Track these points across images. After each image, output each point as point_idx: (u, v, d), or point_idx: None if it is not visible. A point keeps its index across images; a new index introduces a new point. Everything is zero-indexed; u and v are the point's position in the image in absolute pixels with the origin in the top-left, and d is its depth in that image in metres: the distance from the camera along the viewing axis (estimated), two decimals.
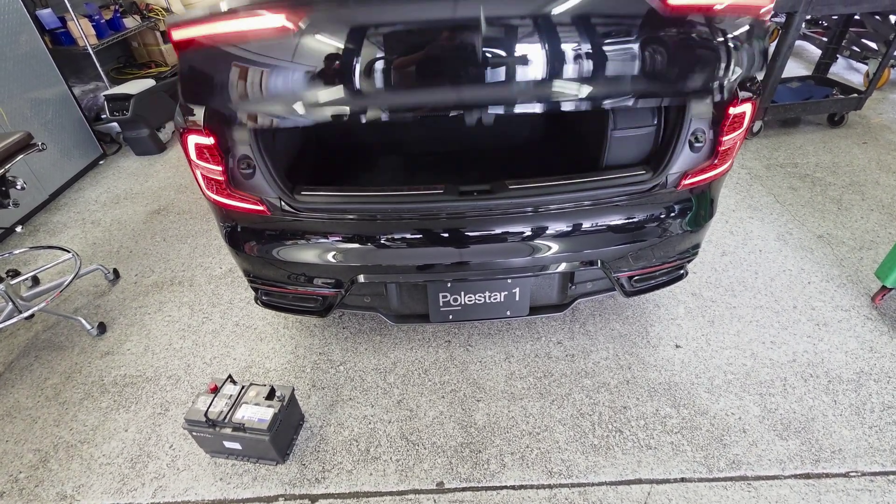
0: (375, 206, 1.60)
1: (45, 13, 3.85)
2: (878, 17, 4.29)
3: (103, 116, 4.03)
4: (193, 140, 1.55)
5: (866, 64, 4.91)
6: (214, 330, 2.39)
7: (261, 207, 1.65)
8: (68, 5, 3.72)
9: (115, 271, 2.77)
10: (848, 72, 5.26)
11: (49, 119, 3.59)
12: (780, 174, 3.46)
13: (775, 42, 6.26)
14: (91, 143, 3.99)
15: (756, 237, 2.84)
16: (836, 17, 4.20)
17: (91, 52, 3.91)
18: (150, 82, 4.16)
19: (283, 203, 1.63)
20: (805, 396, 1.94)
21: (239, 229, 1.74)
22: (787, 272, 2.57)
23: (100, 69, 4.06)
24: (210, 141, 1.53)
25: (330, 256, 1.67)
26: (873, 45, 4.71)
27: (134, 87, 3.99)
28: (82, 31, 3.81)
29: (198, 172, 1.65)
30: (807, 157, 3.65)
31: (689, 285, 2.49)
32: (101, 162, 4.09)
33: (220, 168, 1.59)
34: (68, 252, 2.61)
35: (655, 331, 2.25)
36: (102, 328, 2.41)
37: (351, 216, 1.63)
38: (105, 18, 4.20)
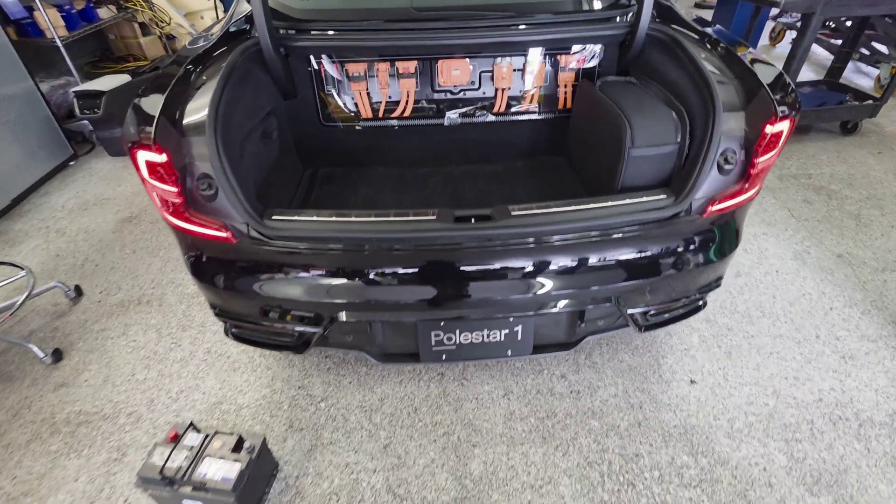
0: (356, 234, 1.38)
1: (9, 2, 3.57)
2: (889, 19, 4.11)
3: (74, 115, 3.76)
4: (143, 157, 1.32)
5: (877, 68, 4.74)
6: (183, 358, 2.16)
7: (225, 234, 1.43)
8: None
9: (78, 288, 2.53)
10: (856, 75, 5.09)
11: (12, 118, 3.32)
12: (794, 186, 3.28)
13: (779, 44, 6.10)
14: (59, 142, 3.72)
15: (772, 256, 2.65)
16: (850, 20, 4.01)
17: (60, 45, 3.64)
18: (126, 78, 3.89)
19: (250, 229, 1.41)
20: (835, 443, 1.75)
21: (204, 259, 1.52)
22: (806, 296, 2.39)
23: (70, 63, 3.79)
24: (162, 158, 1.31)
25: (306, 291, 1.45)
26: (883, 48, 4.54)
27: (107, 82, 3.72)
28: (50, 23, 3.53)
29: (153, 193, 1.42)
30: (820, 168, 3.46)
31: (704, 310, 2.29)
32: (71, 163, 3.82)
33: (175, 189, 1.36)
34: (21, 269, 2.37)
35: (668, 363, 2.05)
36: (58, 355, 2.17)
37: (329, 246, 1.41)
38: (77, 9, 3.92)
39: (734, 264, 2.59)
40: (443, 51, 1.88)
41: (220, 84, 1.45)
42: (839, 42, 4.36)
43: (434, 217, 1.40)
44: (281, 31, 1.79)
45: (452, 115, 2.06)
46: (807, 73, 5.15)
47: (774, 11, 5.57)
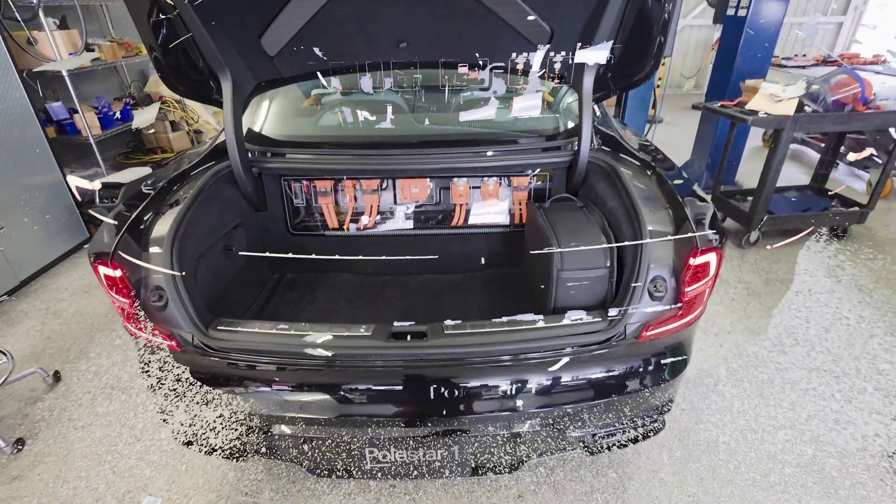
0: (291, 349, 1.43)
1: (56, 106, 4.06)
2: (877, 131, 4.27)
3: (96, 203, 4.08)
4: (102, 271, 1.44)
5: (868, 172, 4.83)
6: (140, 452, 2.14)
7: (171, 342, 1.49)
8: (75, 100, 3.91)
9: (57, 374, 2.60)
10: (850, 178, 5.17)
11: (38, 205, 3.63)
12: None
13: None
14: (77, 227, 4.01)
15: (803, 272, 2.50)
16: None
17: (92, 142, 4.06)
18: (147, 171, 4.23)
19: (195, 339, 1.48)
20: (884, 502, 1.56)
21: (153, 362, 1.57)
22: (843, 321, 2.24)
23: (98, 157, 4.19)
24: (117, 273, 1.42)
25: (241, 402, 1.47)
26: (872, 151, 4.66)
27: (128, 175, 4.05)
28: (86, 123, 3.97)
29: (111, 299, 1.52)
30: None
31: (730, 335, 2.12)
32: (85, 246, 4.09)
33: (127, 301, 1.46)
34: (4, 354, 2.47)
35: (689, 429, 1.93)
36: (20, 444, 2.19)
37: (267, 359, 1.45)
38: (115, 110, 4.41)
39: (767, 286, 2.42)
40: (401, 174, 2.05)
41: (186, 206, 1.60)
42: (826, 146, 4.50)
43: (368, 334, 1.45)
44: (256, 154, 1.99)
45: (411, 227, 2.19)
46: (798, 175, 5.27)
47: None
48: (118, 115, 4.47)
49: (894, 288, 2.39)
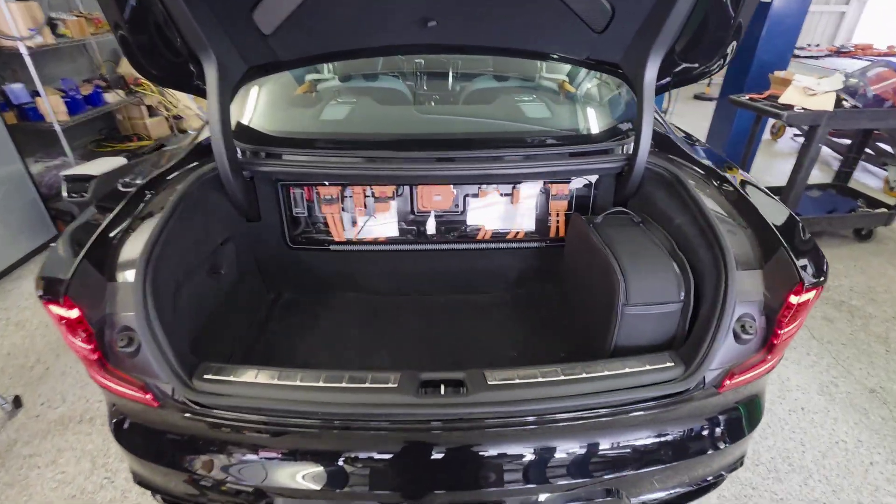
0: (300, 407, 1.15)
1: (16, 88, 3.62)
2: None
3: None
4: (54, 311, 1.13)
5: (885, 169, 4.66)
6: (112, 500, 1.85)
7: (146, 396, 1.20)
8: (37, 82, 3.48)
9: (17, 400, 2.27)
10: (863, 175, 5.00)
11: None
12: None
13: (780, 138, 6.13)
14: (43, 224, 3.63)
15: (795, 388, 2.36)
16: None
17: (58, 129, 3.64)
18: (121, 161, 3.83)
19: (175, 392, 1.18)
20: None
21: (124, 419, 1.28)
22: (840, 444, 2.07)
23: (66, 146, 3.78)
24: (73, 314, 1.11)
25: (238, 471, 1.19)
26: (889, 148, 4.49)
27: (100, 166, 3.65)
28: (50, 108, 3.55)
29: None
30: (838, 279, 3.24)
31: None
32: (52, 244, 3.70)
33: (88, 346, 1.15)
34: None
35: None
36: None
37: (268, 418, 1.17)
38: (83, 94, 3.98)
39: None
40: (423, 181, 1.74)
41: (162, 220, 1.29)
42: (846, 142, 4.31)
43: (394, 386, 1.17)
44: (247, 154, 1.67)
45: (433, 241, 1.89)
46: (813, 172, 5.08)
47: None
48: (87, 98, 4.04)
49: (890, 407, 2.29)
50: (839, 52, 5.66)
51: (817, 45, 6.07)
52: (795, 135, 5.98)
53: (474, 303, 1.90)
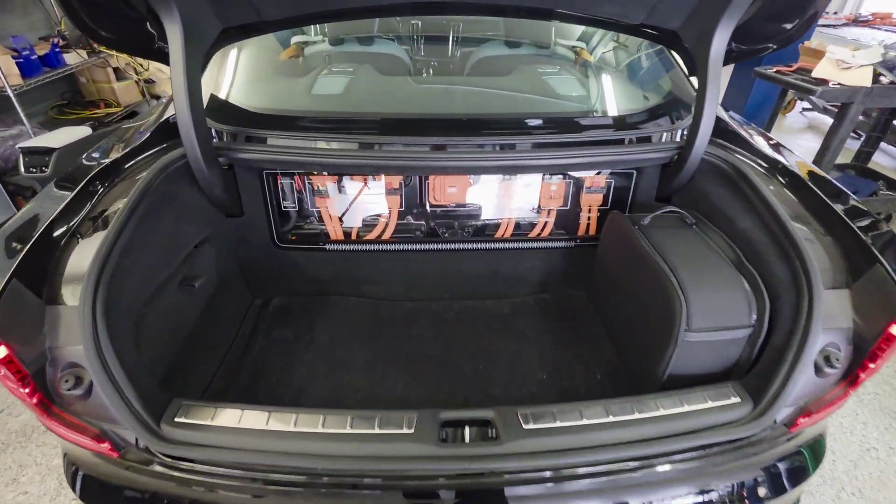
0: (296, 461, 0.94)
1: None
2: None
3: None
4: None
5: None
6: None
7: (102, 445, 0.97)
8: None
9: None
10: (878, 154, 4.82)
11: None
12: None
13: (790, 113, 5.90)
14: (1, 201, 3.28)
15: None
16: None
17: (10, 94, 3.25)
18: (86, 131, 3.44)
19: (139, 440, 0.96)
20: None
21: (79, 471, 1.06)
22: (872, 452, 1.95)
23: (21, 113, 3.39)
24: (2, 352, 0.87)
25: None
26: None
27: (61, 136, 3.28)
28: (0, 70, 3.15)
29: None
30: None
31: None
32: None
33: (25, 390, 0.91)
34: None
35: None
36: None
37: (250, 473, 0.96)
38: (38, 54, 3.55)
39: None
40: (437, 172, 1.48)
41: (117, 226, 1.03)
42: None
43: (410, 432, 0.96)
44: (224, 137, 1.38)
45: (445, 239, 1.64)
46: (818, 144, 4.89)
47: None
48: (44, 59, 3.62)
49: None
50: (857, 21, 5.37)
51: (835, 13, 5.76)
52: (805, 108, 5.75)
53: (493, 310, 1.67)
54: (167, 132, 1.40)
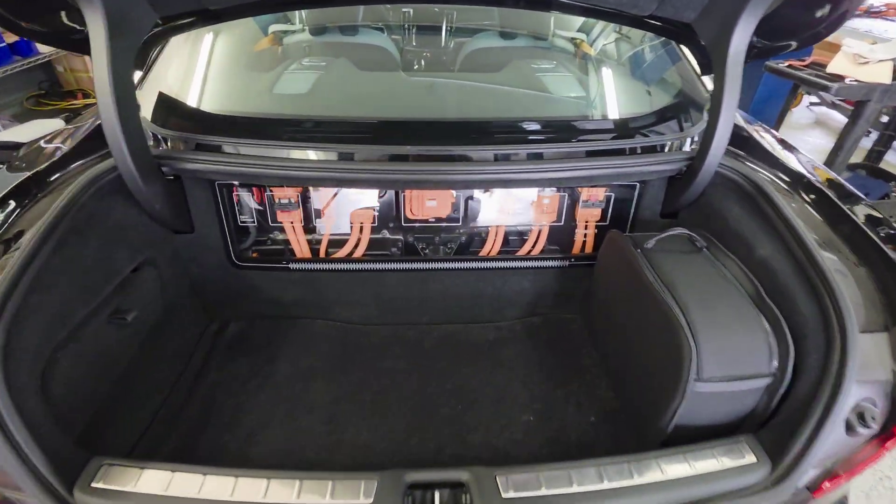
0: None
1: None
2: None
3: None
4: None
5: None
6: None
7: None
8: None
9: None
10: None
11: None
12: None
13: (796, 108, 5.70)
14: None
15: None
16: None
17: None
18: (59, 123, 3.28)
19: None
20: None
21: None
22: (885, 482, 1.81)
23: None
24: None
25: None
26: None
27: (31, 130, 3.13)
28: None
29: None
30: None
31: None
32: None
33: None
34: None
35: None
36: None
37: None
38: (7, 42, 3.36)
39: None
40: (420, 186, 1.30)
41: (27, 256, 0.88)
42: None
43: (369, 502, 0.81)
44: (167, 144, 1.21)
45: (425, 258, 1.48)
46: (828, 142, 4.72)
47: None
48: (14, 47, 3.43)
49: None
50: (869, 13, 5.15)
51: None
52: (812, 103, 5.56)
53: (477, 336, 1.51)
54: (102, 137, 1.23)
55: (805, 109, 5.64)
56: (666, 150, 1.26)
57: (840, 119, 5.33)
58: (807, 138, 4.88)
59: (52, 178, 1.12)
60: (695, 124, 1.30)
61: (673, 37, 1.27)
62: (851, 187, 1.20)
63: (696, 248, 1.17)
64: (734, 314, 0.98)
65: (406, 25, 1.90)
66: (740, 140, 1.30)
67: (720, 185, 1.21)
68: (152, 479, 0.84)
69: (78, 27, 1.08)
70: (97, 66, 0.97)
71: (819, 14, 1.04)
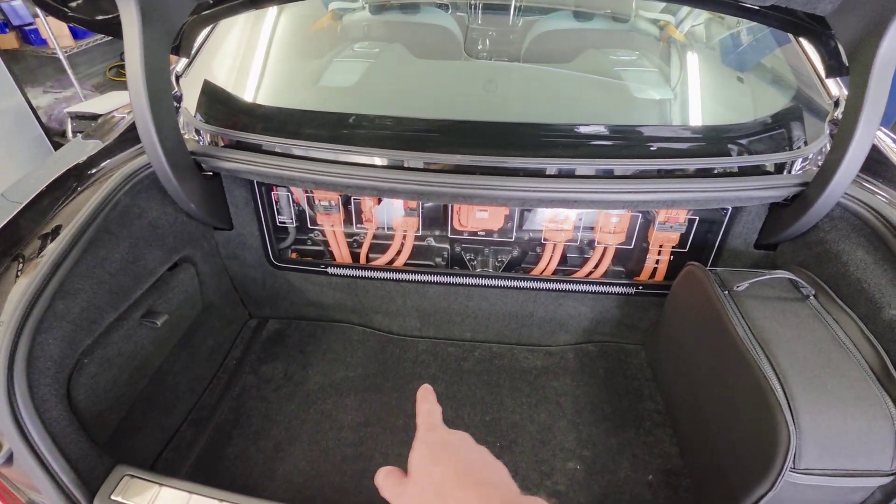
0: None
1: (15, 6, 3.20)
2: None
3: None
4: None
5: None
6: None
7: None
8: None
9: None
10: None
11: None
12: None
13: None
14: None
15: None
16: None
17: (61, 56, 3.23)
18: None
19: None
20: None
21: None
22: None
23: (72, 76, 3.38)
24: None
25: None
26: None
27: (108, 102, 3.27)
28: (50, 32, 3.12)
29: None
30: None
31: None
32: None
33: None
34: None
35: None
36: None
37: None
38: None
39: None
40: (466, 201, 1.14)
41: (57, 258, 0.85)
42: None
43: None
44: (206, 140, 1.15)
45: (471, 273, 1.34)
46: None
47: None
48: None
49: None
50: None
51: None
52: None
53: (523, 361, 1.36)
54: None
55: None
56: (772, 170, 1.04)
57: None
58: None
59: (92, 171, 1.09)
60: (811, 140, 1.07)
61: (798, 32, 1.02)
62: None
63: (800, 296, 0.95)
64: (849, 390, 0.77)
65: (472, 3, 1.76)
66: (870, 163, 1.05)
67: (840, 220, 0.97)
68: (169, 499, 0.80)
69: (111, 14, 1.03)
70: (129, 55, 0.90)
71: None
